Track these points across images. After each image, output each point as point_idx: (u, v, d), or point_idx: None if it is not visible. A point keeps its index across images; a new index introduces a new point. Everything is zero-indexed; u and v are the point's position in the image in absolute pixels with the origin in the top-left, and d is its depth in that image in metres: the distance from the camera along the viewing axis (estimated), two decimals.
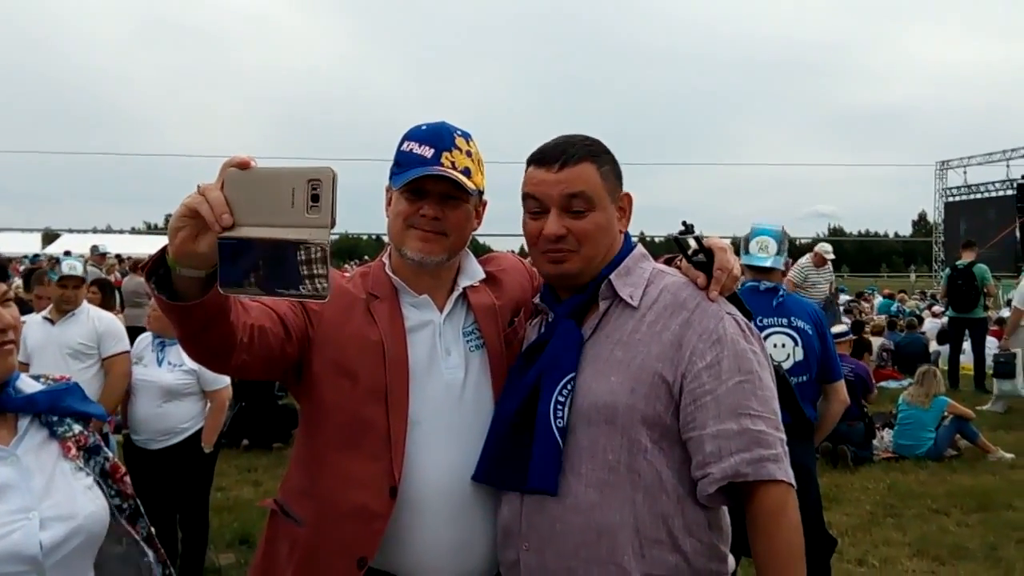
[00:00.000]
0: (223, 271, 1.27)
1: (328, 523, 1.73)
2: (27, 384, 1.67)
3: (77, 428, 1.67)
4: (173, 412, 4.37)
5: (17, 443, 1.58)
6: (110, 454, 1.72)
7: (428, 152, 1.74)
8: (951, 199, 31.90)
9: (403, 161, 1.77)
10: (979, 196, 30.43)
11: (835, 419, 4.17)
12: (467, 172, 1.77)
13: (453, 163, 1.75)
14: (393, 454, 1.70)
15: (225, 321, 1.48)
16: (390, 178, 1.82)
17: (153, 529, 1.76)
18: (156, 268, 1.39)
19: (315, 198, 1.23)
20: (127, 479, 1.73)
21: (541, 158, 1.73)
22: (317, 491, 1.77)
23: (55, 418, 1.64)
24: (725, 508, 1.70)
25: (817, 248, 10.62)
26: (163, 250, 1.36)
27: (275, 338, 1.66)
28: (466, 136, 1.81)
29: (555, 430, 1.64)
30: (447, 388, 1.78)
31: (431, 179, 1.74)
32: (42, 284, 4.75)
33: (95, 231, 43.01)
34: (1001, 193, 28.37)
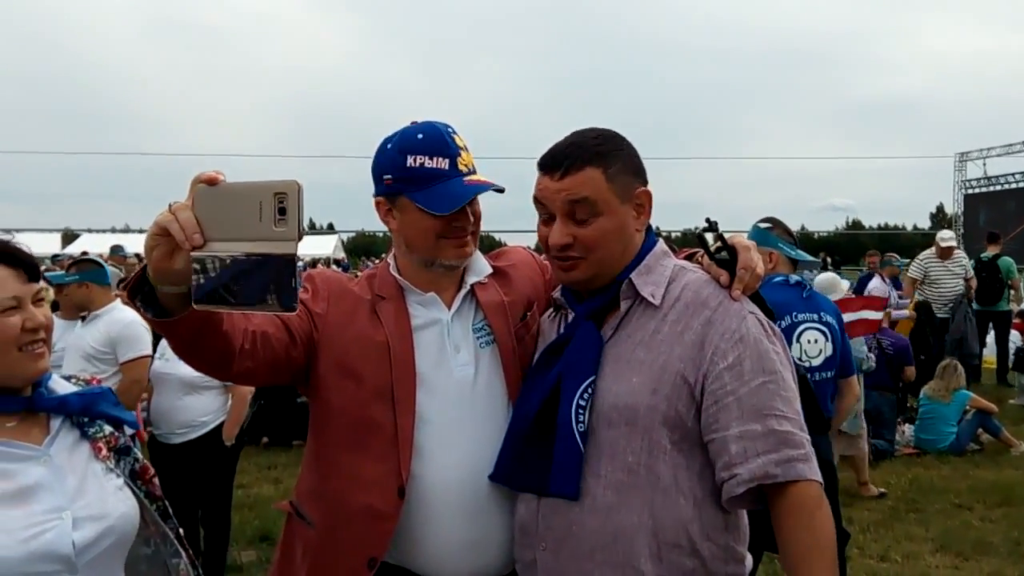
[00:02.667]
0: (196, 287, 1.29)
1: (337, 524, 1.74)
2: (59, 384, 1.68)
3: (108, 429, 1.68)
4: (193, 405, 4.38)
5: (50, 443, 1.59)
6: (140, 455, 1.74)
7: (444, 163, 1.73)
8: (970, 191, 31.57)
9: (421, 176, 1.73)
10: (999, 188, 30.11)
11: (848, 414, 4.33)
12: (474, 168, 1.78)
13: (467, 166, 1.76)
14: (400, 454, 1.70)
15: (216, 332, 1.49)
16: (397, 194, 1.77)
17: (182, 531, 1.77)
18: (141, 285, 1.41)
19: (282, 211, 1.25)
20: (156, 480, 1.74)
21: (545, 163, 1.70)
22: (326, 492, 1.78)
23: (86, 419, 1.66)
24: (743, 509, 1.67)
25: (937, 237, 9.40)
26: (144, 267, 1.38)
27: (279, 343, 1.67)
28: (454, 130, 1.81)
29: (577, 435, 1.61)
30: (457, 385, 1.78)
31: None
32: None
33: (113, 231, 43.31)
34: (1021, 185, 28.07)
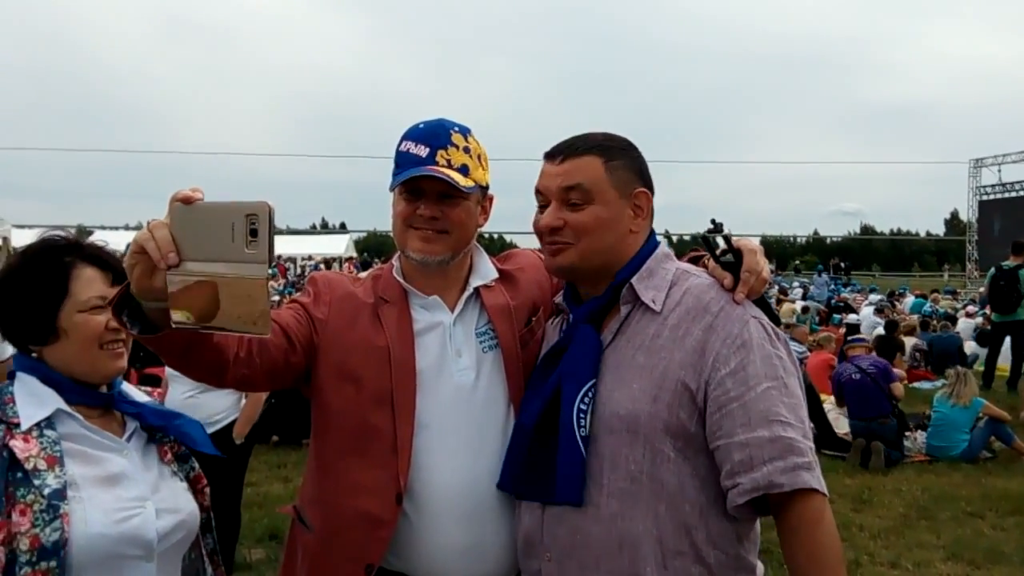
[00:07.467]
0: (173, 305, 1.29)
1: (335, 530, 1.74)
2: (131, 390, 1.75)
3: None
4: (206, 403, 4.39)
5: (128, 439, 1.67)
6: (196, 465, 1.78)
7: (423, 151, 1.73)
8: (985, 197, 31.37)
9: (400, 162, 1.76)
10: (1014, 194, 29.91)
11: None
12: (464, 169, 1.74)
13: (448, 160, 1.73)
14: (399, 460, 1.69)
15: (206, 344, 1.49)
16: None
17: (218, 545, 1.82)
18: (127, 301, 1.41)
19: (253, 233, 1.24)
20: (207, 491, 1.78)
21: (549, 151, 1.73)
22: (324, 498, 1.78)
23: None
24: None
25: None
26: (128, 284, 1.38)
27: (277, 349, 1.67)
28: (464, 132, 1.79)
29: (579, 440, 1.60)
30: (457, 390, 1.76)
31: (426, 178, 1.72)
32: None
33: (127, 228, 43.59)
34: None
